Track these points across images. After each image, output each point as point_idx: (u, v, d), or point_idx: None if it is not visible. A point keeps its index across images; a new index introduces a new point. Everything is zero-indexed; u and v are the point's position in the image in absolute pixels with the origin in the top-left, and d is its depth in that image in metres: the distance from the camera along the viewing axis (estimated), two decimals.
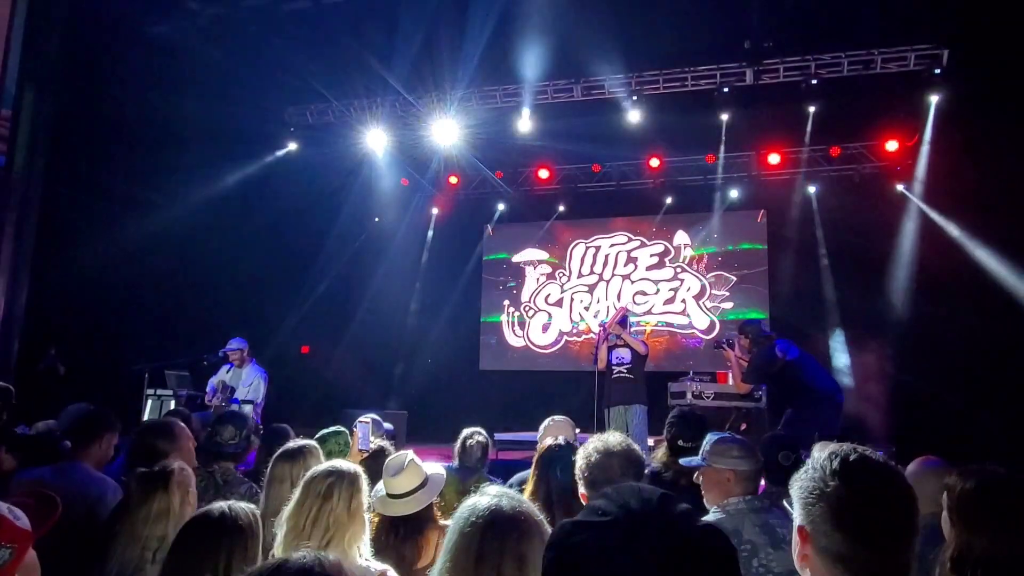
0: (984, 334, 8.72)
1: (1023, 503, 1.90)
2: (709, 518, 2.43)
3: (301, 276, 11.41)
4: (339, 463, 2.33)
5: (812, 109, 9.56)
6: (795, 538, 1.33)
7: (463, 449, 4.10)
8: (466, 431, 4.18)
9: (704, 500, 2.55)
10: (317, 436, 3.47)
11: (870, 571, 1.23)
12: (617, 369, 7.26)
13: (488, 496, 1.53)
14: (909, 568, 1.25)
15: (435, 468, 2.80)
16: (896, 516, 1.25)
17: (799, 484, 1.34)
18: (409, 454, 2.75)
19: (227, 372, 7.67)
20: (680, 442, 3.50)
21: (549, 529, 1.39)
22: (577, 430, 4.10)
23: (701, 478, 2.56)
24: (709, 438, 2.64)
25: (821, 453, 1.35)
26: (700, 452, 2.61)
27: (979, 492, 1.95)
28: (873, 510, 1.25)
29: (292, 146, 11.04)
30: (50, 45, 7.82)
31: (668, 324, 11.72)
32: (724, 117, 9.72)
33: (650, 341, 10.09)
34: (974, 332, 8.75)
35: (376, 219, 12.64)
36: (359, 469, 2.32)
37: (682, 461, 2.70)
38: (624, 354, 7.29)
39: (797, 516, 1.32)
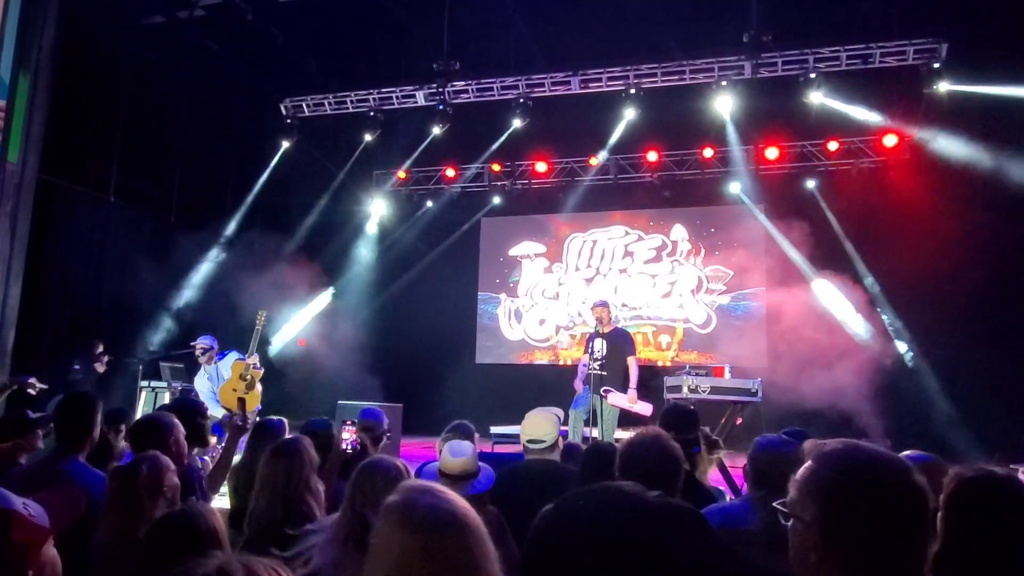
0: (983, 329, 8.73)
1: (1014, 507, 1.81)
2: None
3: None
4: None
5: (810, 103, 9.50)
6: (802, 538, 1.25)
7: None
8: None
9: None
10: (303, 428, 3.43)
11: (891, 569, 1.19)
12: (592, 363, 6.64)
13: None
14: (924, 561, 1.21)
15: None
16: (909, 511, 1.21)
17: (807, 480, 1.27)
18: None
19: (204, 376, 6.85)
20: (672, 434, 3.44)
21: (472, 527, 1.32)
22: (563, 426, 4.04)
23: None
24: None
25: (820, 448, 1.29)
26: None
27: (971, 491, 1.85)
28: (888, 507, 1.20)
29: (287, 137, 10.94)
30: (45, 35, 7.76)
31: (665, 317, 11.71)
32: (722, 111, 9.68)
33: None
34: (973, 328, 8.78)
35: (371, 212, 12.62)
36: None
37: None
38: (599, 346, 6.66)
39: (807, 514, 1.24)
